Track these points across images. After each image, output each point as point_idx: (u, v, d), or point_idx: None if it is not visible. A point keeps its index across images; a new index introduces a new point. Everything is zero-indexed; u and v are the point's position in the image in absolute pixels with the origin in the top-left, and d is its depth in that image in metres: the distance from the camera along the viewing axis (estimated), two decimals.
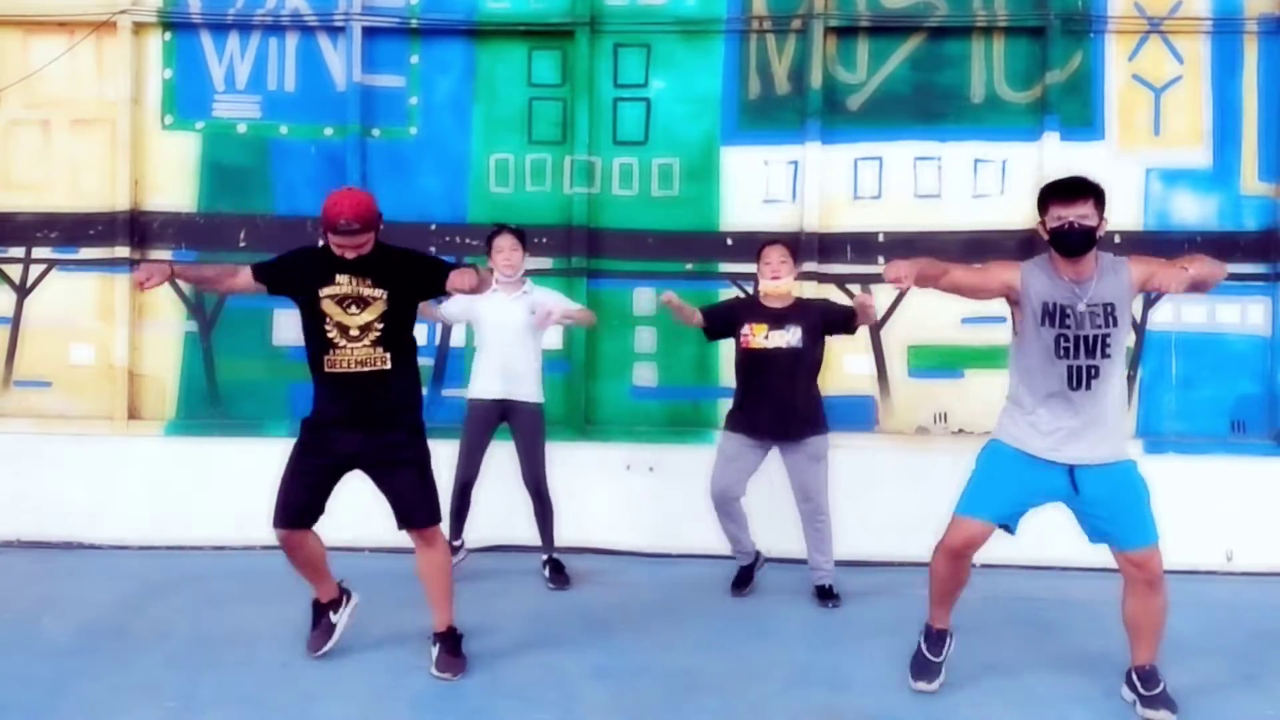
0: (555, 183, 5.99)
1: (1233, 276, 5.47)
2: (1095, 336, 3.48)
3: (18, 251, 6.00)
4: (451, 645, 3.88)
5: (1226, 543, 5.56)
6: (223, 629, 4.21)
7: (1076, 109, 5.80)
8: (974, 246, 5.75)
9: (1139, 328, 5.79)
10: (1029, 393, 3.60)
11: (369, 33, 5.90)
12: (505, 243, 5.00)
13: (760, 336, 4.80)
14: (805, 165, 5.84)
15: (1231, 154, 5.80)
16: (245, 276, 3.83)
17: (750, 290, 5.53)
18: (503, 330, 4.99)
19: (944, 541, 3.70)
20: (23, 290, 6.00)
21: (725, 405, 5.12)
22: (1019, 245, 5.60)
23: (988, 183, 5.86)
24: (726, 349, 5.35)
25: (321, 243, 3.83)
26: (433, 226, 5.98)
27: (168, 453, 5.79)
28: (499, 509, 5.37)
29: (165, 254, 5.95)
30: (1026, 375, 3.62)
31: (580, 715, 3.55)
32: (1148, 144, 5.83)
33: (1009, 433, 3.65)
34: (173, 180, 5.98)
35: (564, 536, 5.29)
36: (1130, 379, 5.79)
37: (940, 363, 5.87)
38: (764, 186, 5.93)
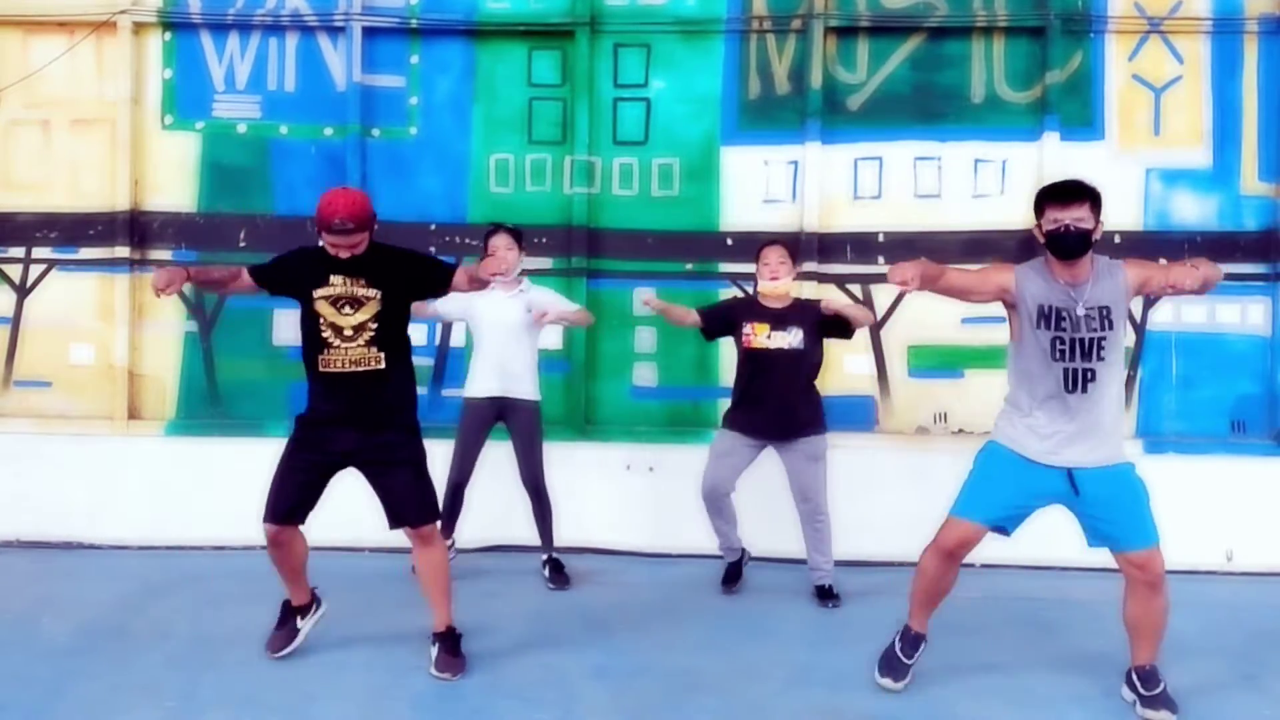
0: (555, 183, 5.99)
1: (1233, 276, 5.53)
2: (1091, 339, 3.48)
3: (18, 251, 6.00)
4: (451, 645, 3.88)
5: (1226, 543, 5.56)
6: (223, 629, 4.21)
7: (1076, 109, 5.80)
8: (974, 246, 5.76)
9: (1139, 328, 5.79)
10: (1026, 395, 3.60)
11: (369, 33, 5.90)
12: (501, 242, 5.00)
13: (763, 336, 4.80)
14: (805, 165, 5.84)
15: (1231, 154, 5.80)
16: (246, 278, 3.85)
17: (750, 290, 5.52)
18: (499, 329, 4.99)
19: (937, 541, 3.70)
20: (23, 290, 6.00)
21: (725, 405, 5.12)
22: (1019, 245, 5.60)
23: (988, 183, 5.86)
24: (727, 349, 5.35)
25: (321, 243, 3.83)
26: (433, 226, 5.98)
27: (168, 453, 5.79)
28: (498, 508, 5.37)
29: (165, 254, 5.97)
30: (1023, 378, 3.62)
31: (580, 715, 3.55)
32: (1148, 144, 5.83)
33: (1006, 435, 3.65)
34: (173, 180, 5.98)
35: (564, 536, 5.29)
36: (1130, 379, 5.79)
37: (940, 363, 5.87)
38: (764, 186, 5.93)
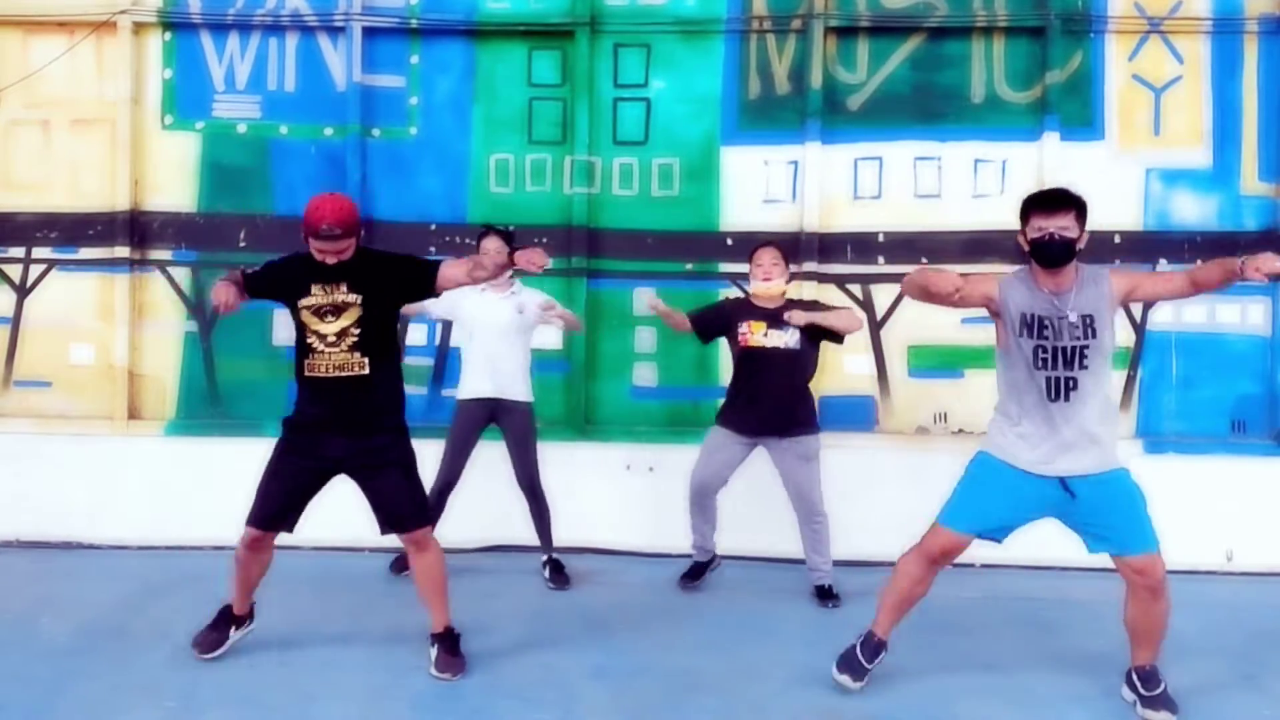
0: (555, 183, 5.99)
1: None
2: (1074, 348, 3.48)
3: (18, 251, 6.00)
4: (450, 645, 3.88)
5: (1226, 543, 5.56)
6: None
7: (1076, 109, 5.80)
8: (974, 246, 5.76)
9: (1139, 328, 5.79)
10: (1015, 404, 3.61)
11: (369, 33, 5.90)
12: (492, 244, 4.99)
13: (760, 334, 4.80)
14: (805, 165, 5.84)
15: (1231, 154, 5.80)
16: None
17: (748, 291, 5.52)
18: (491, 330, 4.98)
19: (921, 546, 3.70)
20: (23, 290, 6.00)
21: None
22: (1018, 246, 5.58)
23: (988, 183, 5.86)
24: (728, 350, 5.35)
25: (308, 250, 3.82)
26: (433, 226, 5.98)
27: (168, 453, 5.79)
28: (497, 509, 5.37)
29: (165, 254, 5.97)
30: (1011, 387, 3.63)
31: (580, 715, 3.55)
32: (1148, 144, 5.83)
33: (997, 444, 3.65)
34: (173, 180, 5.98)
35: (564, 536, 5.29)
36: (1130, 379, 5.79)
37: (940, 363, 5.87)
38: (764, 186, 5.93)
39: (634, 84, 5.97)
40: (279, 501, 3.82)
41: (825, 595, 4.87)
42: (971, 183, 5.87)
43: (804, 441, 4.83)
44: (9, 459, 5.75)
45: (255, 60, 5.99)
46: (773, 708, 3.62)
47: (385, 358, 3.83)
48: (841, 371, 5.85)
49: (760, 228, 5.86)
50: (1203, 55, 5.81)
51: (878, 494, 5.52)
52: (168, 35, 5.98)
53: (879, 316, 5.86)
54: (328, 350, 3.73)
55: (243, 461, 5.38)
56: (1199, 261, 5.57)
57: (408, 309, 4.49)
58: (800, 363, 4.83)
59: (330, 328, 3.73)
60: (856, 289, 5.90)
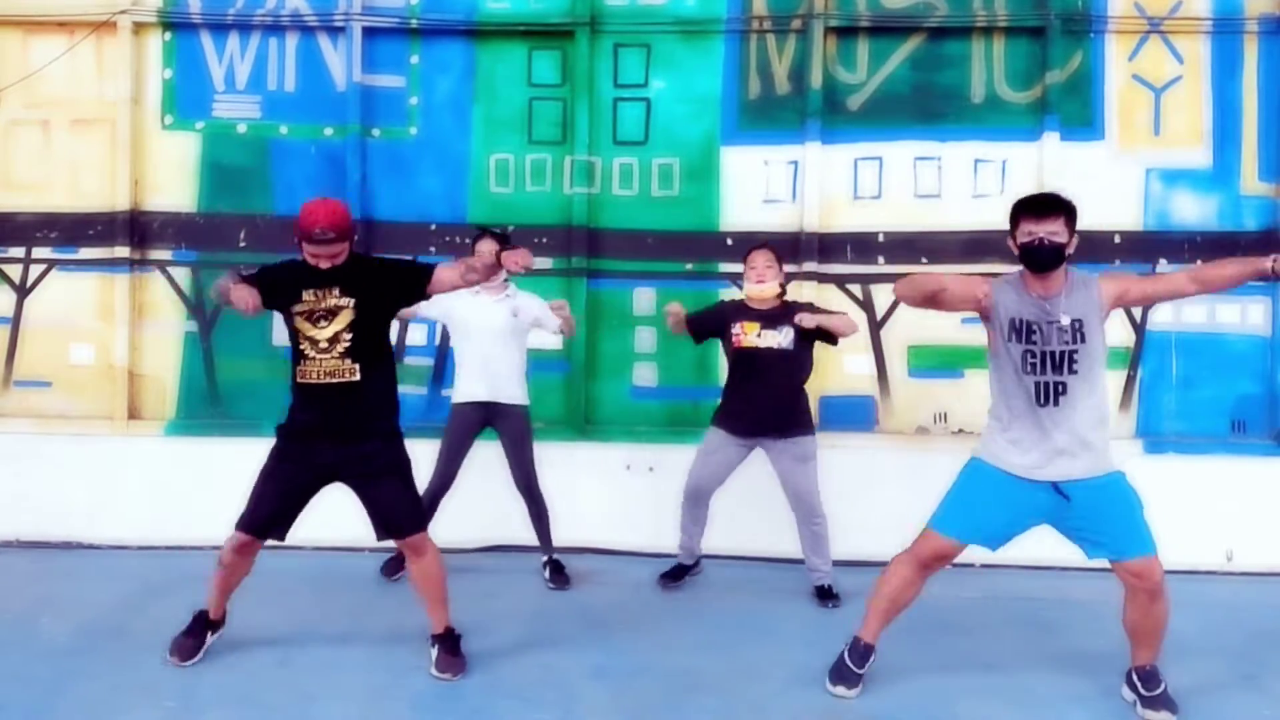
0: (555, 183, 5.99)
1: None
2: (1062, 353, 3.48)
3: (18, 251, 6.00)
4: (450, 645, 3.88)
5: (1226, 543, 5.56)
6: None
7: (1076, 109, 5.80)
8: (974, 246, 5.76)
9: (1139, 328, 5.79)
10: (1005, 409, 3.61)
11: (369, 33, 5.90)
12: (486, 247, 4.97)
13: (753, 335, 4.80)
14: (805, 165, 5.84)
15: (1231, 154, 5.80)
16: None
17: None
18: (485, 333, 4.97)
19: (913, 550, 3.70)
20: (23, 290, 6.01)
21: None
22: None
23: (988, 183, 5.86)
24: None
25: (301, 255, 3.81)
26: (433, 226, 5.98)
27: (168, 453, 5.79)
28: (497, 509, 5.37)
29: (165, 254, 5.97)
30: (1001, 392, 3.63)
31: (580, 715, 3.55)
32: (1148, 144, 5.83)
33: (989, 450, 3.65)
34: (173, 180, 5.98)
35: (563, 536, 5.29)
36: (1130, 379, 5.79)
37: (940, 363, 5.87)
38: (764, 186, 5.93)
39: (634, 84, 5.97)
40: (272, 508, 3.82)
41: (825, 595, 4.87)
42: (971, 183, 5.87)
43: (801, 442, 4.83)
44: (9, 459, 5.75)
45: (255, 60, 5.99)
46: (772, 708, 3.62)
47: (377, 364, 3.82)
48: (841, 371, 5.85)
49: (760, 228, 5.86)
50: (1203, 55, 5.81)
51: (877, 494, 5.52)
52: (168, 35, 5.98)
53: (879, 317, 5.86)
54: (319, 357, 3.73)
55: (243, 461, 5.38)
56: (1199, 261, 5.60)
57: (404, 312, 4.50)
58: (794, 363, 4.82)
59: (323, 333, 3.73)
60: (856, 289, 5.89)
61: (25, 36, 5.97)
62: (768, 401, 4.78)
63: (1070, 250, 3.49)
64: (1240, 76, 5.80)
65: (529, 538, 5.20)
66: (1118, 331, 5.72)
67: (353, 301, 3.74)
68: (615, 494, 5.73)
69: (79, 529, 5.73)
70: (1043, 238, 3.44)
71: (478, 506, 5.33)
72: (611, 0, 5.93)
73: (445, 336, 5.95)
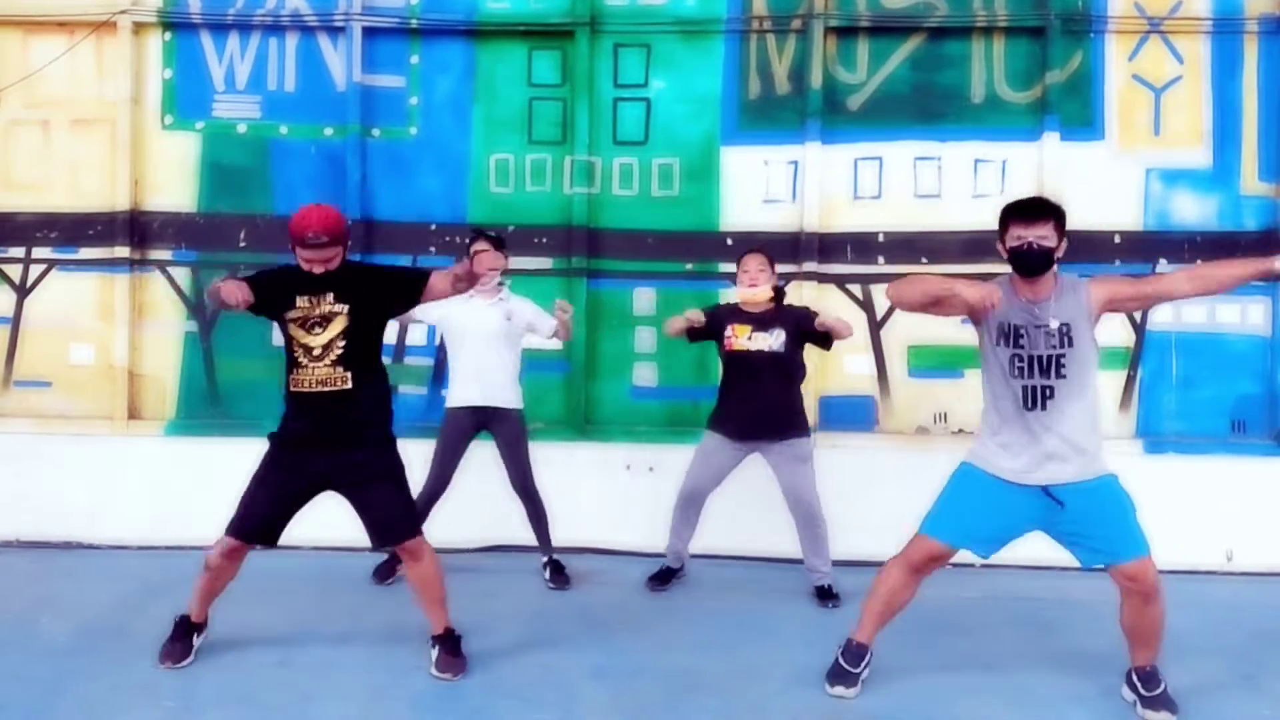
0: (555, 183, 5.99)
1: None
2: (1050, 357, 3.48)
3: (18, 251, 6.01)
4: (451, 646, 3.88)
5: (1226, 543, 5.56)
6: (221, 629, 4.20)
7: (1076, 109, 5.80)
8: (974, 246, 5.75)
9: (1139, 328, 5.79)
10: (996, 413, 3.61)
11: (369, 33, 5.90)
12: (482, 248, 4.99)
13: (744, 338, 4.80)
14: (805, 165, 5.84)
15: (1231, 154, 5.80)
16: None
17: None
18: (479, 338, 4.96)
19: (904, 554, 3.70)
20: (23, 290, 6.01)
21: None
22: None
23: (988, 183, 5.86)
24: None
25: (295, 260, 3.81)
26: (433, 226, 5.98)
27: (168, 453, 5.79)
28: (497, 509, 5.37)
29: (165, 254, 5.97)
30: (991, 396, 3.63)
31: (579, 715, 3.55)
32: (1148, 144, 5.83)
33: (979, 455, 3.65)
34: (173, 180, 5.99)
35: (564, 537, 5.29)
36: (1130, 379, 5.79)
37: (940, 363, 5.87)
38: (764, 186, 5.93)
39: (634, 84, 5.97)
40: (262, 514, 3.81)
41: (825, 595, 4.87)
42: (971, 183, 5.87)
43: (796, 444, 4.83)
44: (9, 459, 5.75)
45: (255, 60, 5.99)
46: (772, 708, 3.62)
47: (369, 372, 3.82)
48: (841, 371, 5.85)
49: (760, 228, 5.86)
50: (1203, 55, 5.81)
51: (878, 494, 5.52)
52: (168, 35, 5.98)
53: (879, 317, 5.86)
54: (311, 365, 3.73)
55: (243, 461, 5.38)
56: (1199, 261, 5.60)
57: (402, 317, 4.49)
58: (786, 365, 4.81)
59: (317, 340, 3.73)
60: (856, 289, 5.89)
61: (25, 36, 5.97)
62: (761, 404, 4.78)
63: (1059, 254, 3.51)
64: (1240, 76, 5.80)
65: (528, 538, 5.20)
66: (1118, 331, 5.73)
67: (347, 308, 3.74)
68: (615, 494, 5.73)
69: (79, 529, 5.73)
70: (1032, 242, 3.45)
71: (477, 507, 5.33)
72: (611, 0, 5.93)
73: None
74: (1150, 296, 3.60)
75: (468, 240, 5.11)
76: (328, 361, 3.73)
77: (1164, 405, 5.82)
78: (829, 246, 5.87)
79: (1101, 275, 3.75)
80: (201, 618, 4.02)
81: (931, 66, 5.88)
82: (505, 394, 5.00)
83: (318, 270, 3.72)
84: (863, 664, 3.75)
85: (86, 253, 5.97)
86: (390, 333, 5.23)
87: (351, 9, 5.86)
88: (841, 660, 3.76)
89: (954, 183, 5.87)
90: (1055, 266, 3.53)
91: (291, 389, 3.78)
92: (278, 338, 5.79)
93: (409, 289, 3.81)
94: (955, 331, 5.75)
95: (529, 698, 3.66)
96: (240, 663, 3.94)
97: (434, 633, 3.90)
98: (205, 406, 5.97)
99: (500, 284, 5.06)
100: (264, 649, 4.08)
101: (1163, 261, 5.77)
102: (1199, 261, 5.61)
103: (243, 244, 5.95)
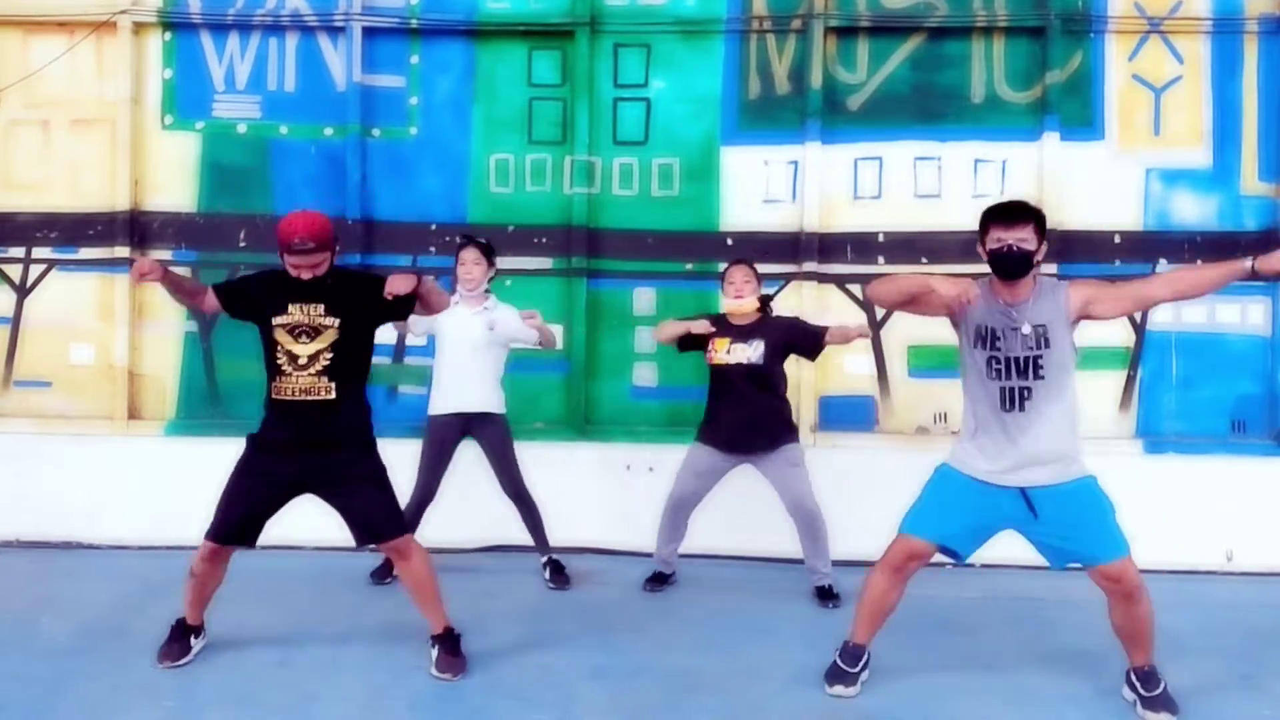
0: (555, 183, 5.99)
1: None
2: (1027, 358, 3.50)
3: (18, 251, 6.01)
4: (450, 646, 3.88)
5: (1226, 543, 5.55)
6: (221, 629, 4.20)
7: (1076, 109, 5.80)
8: (974, 247, 5.68)
9: (1139, 328, 5.79)
10: (973, 415, 3.63)
11: (369, 33, 5.91)
12: (468, 256, 4.98)
13: (723, 352, 4.81)
14: (805, 165, 5.84)
15: (1231, 154, 5.80)
16: (210, 298, 3.87)
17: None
18: (461, 345, 4.94)
19: (884, 557, 3.72)
20: (23, 290, 6.01)
21: None
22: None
23: (988, 183, 5.86)
24: None
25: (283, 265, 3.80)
26: (433, 226, 5.98)
27: (168, 453, 5.79)
28: (496, 509, 5.36)
29: (165, 254, 5.97)
30: (970, 398, 3.66)
31: (578, 715, 3.55)
32: (1148, 144, 5.83)
33: (957, 456, 3.67)
34: (173, 180, 5.99)
35: (563, 537, 5.29)
36: (1130, 379, 5.79)
37: (940, 363, 5.87)
38: (764, 186, 5.93)
39: (634, 84, 5.97)
40: (238, 518, 3.81)
41: (825, 595, 4.87)
42: (971, 183, 5.87)
43: (786, 450, 4.83)
44: (9, 459, 5.75)
45: (255, 60, 5.99)
46: (772, 708, 3.62)
47: (353, 383, 3.82)
48: (841, 371, 5.85)
49: (760, 228, 5.86)
50: (1203, 55, 5.81)
51: (878, 494, 5.47)
52: (168, 35, 5.98)
53: (879, 317, 5.86)
54: (296, 373, 3.73)
55: None
56: (1199, 261, 5.61)
57: (397, 326, 4.48)
58: (765, 377, 4.81)
59: (305, 349, 3.73)
60: (856, 289, 5.89)
61: (25, 36, 5.97)
62: (746, 416, 4.79)
63: (1039, 257, 3.52)
64: (1240, 76, 5.80)
65: (528, 538, 5.19)
66: (1118, 332, 5.73)
67: (338, 322, 3.74)
68: (615, 494, 5.73)
69: (79, 529, 5.73)
70: (1012, 244, 3.46)
71: (476, 507, 5.33)
72: (611, 0, 5.93)
73: None
74: (1127, 301, 3.59)
75: (456, 247, 5.09)
76: (313, 371, 3.72)
77: (1164, 405, 5.81)
78: (829, 246, 5.87)
79: (1082, 279, 3.76)
80: (197, 621, 4.01)
81: (931, 66, 5.88)
82: (486, 399, 4.98)
83: (305, 276, 3.71)
84: (860, 664, 3.75)
85: (86, 253, 5.97)
86: (390, 333, 5.25)
87: (351, 9, 5.86)
88: (840, 661, 3.76)
89: (954, 183, 5.87)
90: (1035, 269, 3.53)
91: (273, 396, 3.77)
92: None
93: (399, 304, 3.79)
94: (955, 332, 5.75)
95: (528, 698, 3.66)
96: (240, 663, 3.94)
97: (433, 632, 3.90)
98: (205, 406, 5.97)
99: (486, 292, 5.05)
100: (263, 649, 4.08)
101: (1163, 261, 5.76)
102: (1199, 261, 5.62)
103: (243, 244, 5.96)
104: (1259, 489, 5.56)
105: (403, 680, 3.79)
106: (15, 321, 5.99)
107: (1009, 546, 3.85)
